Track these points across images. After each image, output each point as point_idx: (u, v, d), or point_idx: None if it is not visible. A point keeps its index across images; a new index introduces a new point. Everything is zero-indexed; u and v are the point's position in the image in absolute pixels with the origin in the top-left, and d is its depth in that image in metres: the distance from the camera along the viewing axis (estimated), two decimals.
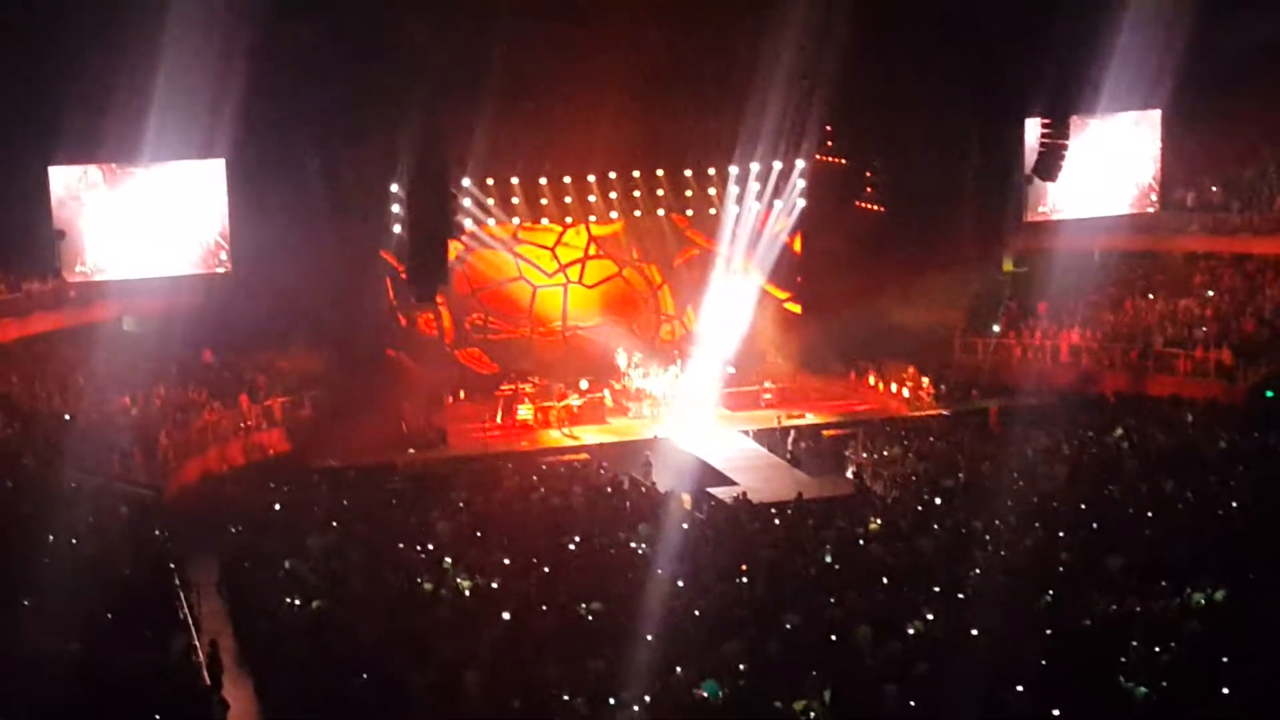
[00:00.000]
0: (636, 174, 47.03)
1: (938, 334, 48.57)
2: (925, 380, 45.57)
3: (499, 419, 44.44)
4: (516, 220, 46.75)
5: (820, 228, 50.38)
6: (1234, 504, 30.65)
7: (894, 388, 46.42)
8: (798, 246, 50.24)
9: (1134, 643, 21.93)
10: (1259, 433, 37.35)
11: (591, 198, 46.81)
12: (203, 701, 21.99)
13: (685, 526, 32.29)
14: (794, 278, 50.83)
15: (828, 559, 28.46)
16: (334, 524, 32.18)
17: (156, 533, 30.98)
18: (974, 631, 22.82)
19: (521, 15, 40.51)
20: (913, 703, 20.18)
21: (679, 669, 21.84)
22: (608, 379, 46.70)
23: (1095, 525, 29.60)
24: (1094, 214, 48.77)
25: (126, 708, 20.69)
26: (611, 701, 20.88)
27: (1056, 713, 19.45)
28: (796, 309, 50.84)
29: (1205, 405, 41.15)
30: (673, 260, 50.25)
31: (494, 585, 27.40)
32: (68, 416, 37.05)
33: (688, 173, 47.41)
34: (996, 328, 48.68)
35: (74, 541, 27.76)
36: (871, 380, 47.19)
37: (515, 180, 45.78)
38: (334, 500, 35.05)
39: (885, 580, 26.65)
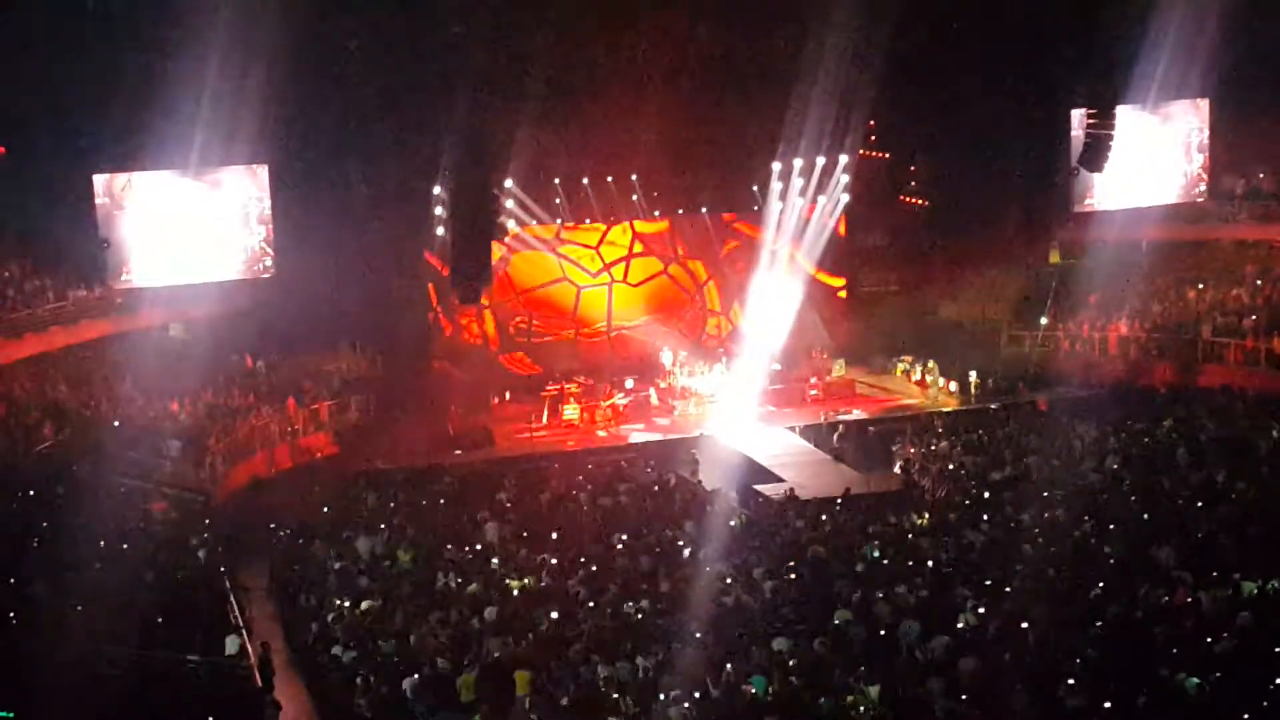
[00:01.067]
0: (681, 172, 47.02)
1: (984, 327, 48.40)
2: (972, 376, 45.27)
3: (545, 419, 44.47)
4: (560, 221, 46.88)
5: (865, 222, 50.37)
6: None
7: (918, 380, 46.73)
8: (843, 230, 50.18)
9: (1185, 635, 21.78)
10: None
11: (635, 196, 46.85)
12: (255, 703, 22.09)
13: (732, 524, 32.27)
14: (842, 264, 50.83)
15: (875, 554, 28.37)
16: (382, 526, 32.32)
17: (206, 537, 31.14)
18: (1023, 625, 22.66)
19: (564, 14, 40.47)
20: (962, 697, 20.06)
21: (727, 666, 21.79)
22: (653, 378, 46.68)
23: (1145, 517, 29.38)
24: (1141, 204, 48.39)
25: (180, 711, 20.81)
26: (660, 698, 20.86)
27: (1107, 706, 19.28)
28: (845, 295, 50.92)
29: (1256, 395, 40.74)
30: (718, 252, 50.17)
31: (542, 584, 27.45)
32: (116, 423, 37.24)
33: (732, 169, 47.37)
34: (1044, 320, 48.38)
35: (124, 546, 27.92)
36: (918, 374, 47.01)
37: (558, 180, 45.84)
38: (382, 502, 35.19)
39: (933, 575, 26.55)
